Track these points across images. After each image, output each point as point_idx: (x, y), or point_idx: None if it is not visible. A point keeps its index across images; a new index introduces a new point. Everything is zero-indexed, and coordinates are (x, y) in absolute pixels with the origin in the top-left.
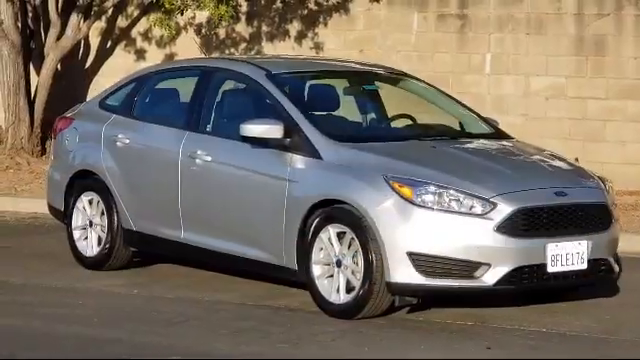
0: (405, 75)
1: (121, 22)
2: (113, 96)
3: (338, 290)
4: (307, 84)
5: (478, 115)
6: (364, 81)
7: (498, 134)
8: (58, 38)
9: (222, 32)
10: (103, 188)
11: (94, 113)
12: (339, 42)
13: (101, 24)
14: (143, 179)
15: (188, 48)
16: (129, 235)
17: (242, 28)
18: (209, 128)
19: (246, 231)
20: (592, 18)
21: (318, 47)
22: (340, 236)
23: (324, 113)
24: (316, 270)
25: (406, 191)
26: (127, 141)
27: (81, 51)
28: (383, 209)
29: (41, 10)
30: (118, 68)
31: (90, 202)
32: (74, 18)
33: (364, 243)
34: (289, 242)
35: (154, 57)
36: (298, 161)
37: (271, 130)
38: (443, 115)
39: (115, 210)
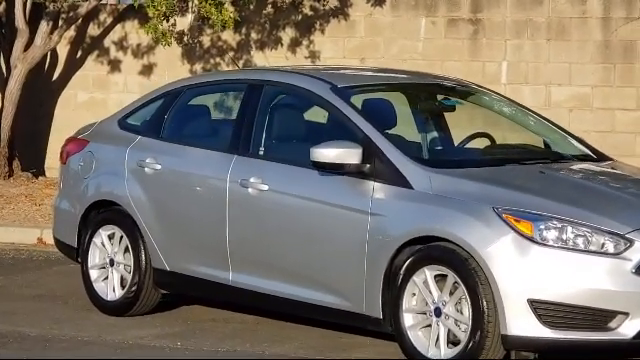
0: (478, 87)
1: (93, 30)
2: (136, 114)
3: (437, 343)
4: (378, 100)
5: (567, 132)
6: (440, 95)
7: (596, 154)
8: (26, 48)
9: (206, 40)
10: (127, 221)
11: (113, 134)
12: (337, 50)
13: (70, 32)
14: (180, 211)
15: (169, 58)
16: (161, 276)
17: (229, 36)
18: (262, 151)
19: (314, 273)
20: (620, 22)
21: (314, 56)
22: (438, 279)
23: (403, 134)
24: (408, 319)
25: (524, 226)
26: (158, 167)
27: (48, 62)
28: (497, 248)
29: (6, 17)
30: (89, 80)
31: (110, 237)
32: (44, 26)
33: (472, 288)
34: (372, 286)
35: (130, 68)
36: (382, 190)
37: (348, 154)
38: (524, 133)
39: (143, 247)
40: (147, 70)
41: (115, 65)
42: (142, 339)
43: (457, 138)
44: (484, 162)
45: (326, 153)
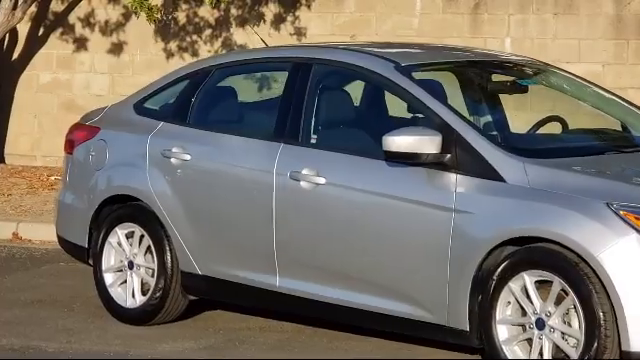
0: (547, 65)
1: (56, 5)
2: (154, 98)
3: None
4: (450, 80)
5: None
6: (514, 74)
7: None
8: None
9: (182, 16)
10: (150, 218)
11: (129, 120)
12: (325, 27)
13: (31, 8)
14: (215, 207)
15: (141, 35)
16: (191, 280)
17: (206, 12)
18: (314, 139)
19: (384, 278)
20: None
21: (300, 33)
22: (539, 286)
23: (486, 119)
24: (502, 332)
25: None
26: (187, 157)
27: (7, 40)
28: (616, 251)
29: None
30: (53, 59)
31: (128, 236)
32: (6, 2)
33: (585, 297)
34: (456, 294)
35: (98, 46)
36: (466, 184)
37: (425, 142)
38: (598, 116)
39: (168, 247)
40: (117, 48)
41: (81, 43)
42: (178, 354)
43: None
44: (581, 150)
45: (399, 141)
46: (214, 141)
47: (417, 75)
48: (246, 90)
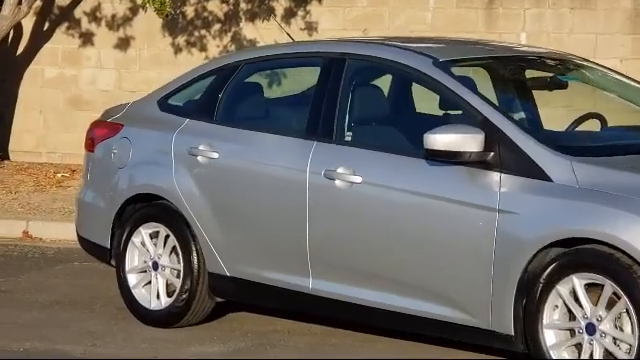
0: (585, 61)
1: (62, 0)
2: (179, 94)
3: None
4: (489, 76)
5: None
6: (553, 70)
7: None
8: None
9: (190, 11)
10: (175, 218)
11: (153, 117)
12: (337, 21)
13: (37, 2)
14: (245, 207)
15: (148, 30)
16: (219, 282)
17: (215, 6)
18: (349, 136)
19: (424, 281)
20: None
21: (311, 28)
22: (589, 289)
23: (526, 116)
24: (549, 337)
25: None
26: (215, 155)
27: (11, 34)
28: None
29: None
30: (58, 54)
31: (152, 236)
32: None
33: (639, 301)
34: (501, 297)
35: (104, 41)
36: (511, 183)
37: (468, 140)
38: (636, 112)
39: (195, 248)
40: (123, 43)
41: (87, 38)
42: (209, 357)
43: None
44: (626, 148)
45: (442, 139)
46: (243, 139)
47: (456, 71)
48: (274, 86)
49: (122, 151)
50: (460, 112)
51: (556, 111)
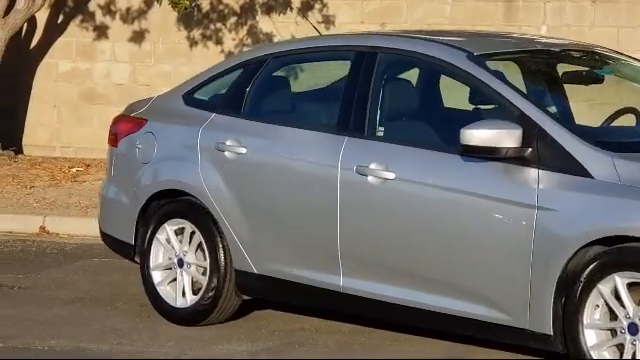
0: (619, 54)
1: None
2: (205, 88)
3: None
4: (523, 70)
5: None
6: (588, 64)
7: None
8: (6, 13)
9: (205, 4)
10: (201, 214)
11: (179, 111)
12: (354, 15)
13: None
14: (273, 203)
15: (163, 23)
16: (246, 280)
17: None
18: (381, 132)
19: (459, 279)
20: None
21: (328, 21)
22: (632, 288)
23: (562, 110)
24: (590, 337)
25: None
26: (242, 150)
27: (25, 27)
28: None
29: None
30: (72, 47)
31: (178, 233)
32: None
33: None
34: (539, 296)
35: (118, 34)
36: (550, 180)
37: (505, 136)
38: None
39: (222, 245)
40: (138, 37)
41: (102, 31)
42: (237, 355)
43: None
44: None
45: (479, 135)
46: (271, 133)
47: (490, 65)
48: (302, 80)
49: (146, 146)
50: (493, 107)
51: (586, 105)
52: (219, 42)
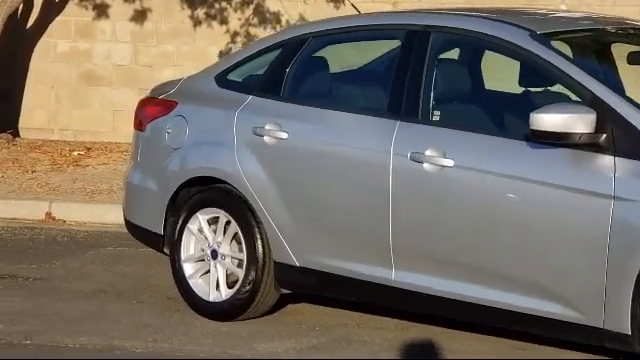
0: None
1: None
2: (240, 69)
3: None
4: (591, 50)
5: None
6: None
7: None
8: None
9: None
10: (237, 203)
11: (212, 94)
12: None
13: None
14: (318, 192)
15: (165, 2)
16: (287, 273)
17: None
18: (437, 116)
19: (525, 274)
20: None
21: (338, 0)
22: None
23: (633, 93)
24: None
25: None
26: (284, 135)
27: (21, 6)
28: None
29: None
30: (71, 27)
31: (211, 223)
32: None
33: None
34: (616, 293)
35: (119, 13)
36: (628, 168)
37: (577, 121)
38: None
39: (260, 236)
40: (140, 16)
41: (102, 10)
42: (283, 354)
43: None
44: None
45: (550, 119)
46: (315, 117)
47: (555, 44)
48: (345, 60)
49: (177, 130)
50: (558, 89)
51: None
52: (224, 21)
